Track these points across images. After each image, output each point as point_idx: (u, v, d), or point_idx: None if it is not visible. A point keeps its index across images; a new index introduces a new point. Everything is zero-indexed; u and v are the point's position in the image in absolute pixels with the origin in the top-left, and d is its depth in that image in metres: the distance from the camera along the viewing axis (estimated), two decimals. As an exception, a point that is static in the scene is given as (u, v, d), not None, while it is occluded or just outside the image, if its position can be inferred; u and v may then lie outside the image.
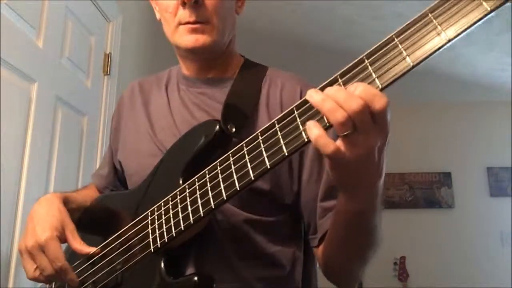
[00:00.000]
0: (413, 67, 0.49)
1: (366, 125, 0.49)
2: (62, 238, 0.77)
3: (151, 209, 0.73)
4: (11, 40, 1.31)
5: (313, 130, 0.51)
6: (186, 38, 0.79)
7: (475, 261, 4.17)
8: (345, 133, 0.50)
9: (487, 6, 0.46)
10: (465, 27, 0.47)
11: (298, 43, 3.41)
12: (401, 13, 2.90)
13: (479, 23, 0.47)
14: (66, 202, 0.84)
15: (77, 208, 0.87)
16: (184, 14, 0.78)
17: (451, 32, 0.48)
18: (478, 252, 4.21)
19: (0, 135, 1.24)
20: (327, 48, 3.46)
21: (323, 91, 0.52)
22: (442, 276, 4.12)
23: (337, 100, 0.49)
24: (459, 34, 0.48)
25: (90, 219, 0.87)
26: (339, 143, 0.51)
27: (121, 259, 0.75)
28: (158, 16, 0.89)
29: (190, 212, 0.66)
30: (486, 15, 0.47)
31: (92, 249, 0.77)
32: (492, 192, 4.38)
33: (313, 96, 0.51)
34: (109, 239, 0.78)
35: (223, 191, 0.63)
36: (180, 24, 0.79)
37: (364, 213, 0.62)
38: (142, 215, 0.74)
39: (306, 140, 0.54)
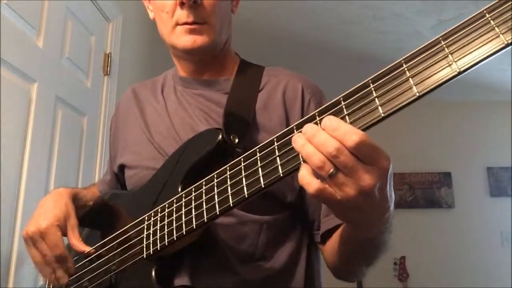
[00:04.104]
0: (419, 97, 0.46)
1: (349, 166, 0.46)
2: (63, 230, 0.79)
3: (149, 213, 0.73)
4: (11, 40, 1.31)
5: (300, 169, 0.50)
6: (184, 39, 0.78)
7: (475, 261, 4.17)
8: (329, 174, 0.47)
9: (504, 39, 0.42)
10: (479, 59, 0.44)
11: (298, 43, 3.41)
12: (401, 14, 2.90)
13: (495, 56, 0.43)
14: (75, 198, 0.86)
15: (84, 206, 0.89)
16: (182, 14, 0.77)
17: (462, 63, 0.44)
18: (478, 252, 4.21)
19: (0, 135, 1.24)
20: (327, 48, 3.46)
21: (320, 116, 0.51)
22: (442, 276, 4.11)
23: (314, 143, 0.47)
24: (471, 67, 0.44)
25: (94, 215, 0.88)
26: (324, 183, 0.48)
27: (116, 260, 0.75)
28: (151, 15, 0.89)
29: (183, 222, 0.66)
30: (502, 48, 0.43)
31: (87, 248, 0.79)
32: (492, 192, 4.37)
33: (296, 141, 0.50)
34: (107, 238, 0.78)
35: (216, 205, 0.62)
36: (177, 24, 0.78)
37: (372, 238, 0.60)
38: (140, 218, 0.74)
39: (302, 162, 0.52)
